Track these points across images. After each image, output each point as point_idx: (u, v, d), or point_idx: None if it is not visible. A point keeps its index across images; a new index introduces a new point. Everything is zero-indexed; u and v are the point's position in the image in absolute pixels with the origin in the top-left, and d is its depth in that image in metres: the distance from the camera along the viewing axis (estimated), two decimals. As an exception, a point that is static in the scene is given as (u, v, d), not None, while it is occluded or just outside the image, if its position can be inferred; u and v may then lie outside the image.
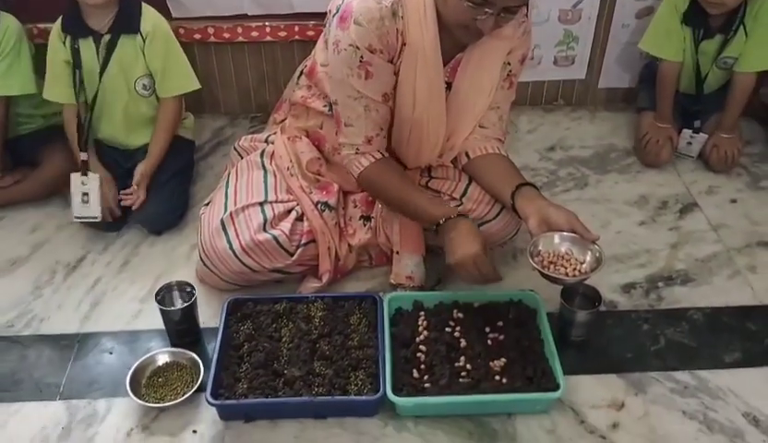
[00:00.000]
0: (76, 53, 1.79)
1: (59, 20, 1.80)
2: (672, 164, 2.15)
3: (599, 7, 2.20)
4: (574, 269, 1.45)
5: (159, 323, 1.57)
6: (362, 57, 1.46)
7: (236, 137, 2.17)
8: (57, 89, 1.84)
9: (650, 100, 2.21)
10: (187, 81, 1.91)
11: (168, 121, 1.90)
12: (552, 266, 1.46)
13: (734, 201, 2.02)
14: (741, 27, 1.98)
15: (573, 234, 1.47)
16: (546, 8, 2.20)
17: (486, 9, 1.35)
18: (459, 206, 1.64)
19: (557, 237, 1.48)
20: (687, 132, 2.13)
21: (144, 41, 1.81)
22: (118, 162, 1.92)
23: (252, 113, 2.34)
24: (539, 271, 1.45)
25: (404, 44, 1.48)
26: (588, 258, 1.47)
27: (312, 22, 2.12)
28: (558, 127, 2.32)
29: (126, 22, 1.80)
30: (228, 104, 2.32)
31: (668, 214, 1.97)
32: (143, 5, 1.84)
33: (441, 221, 1.52)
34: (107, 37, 1.79)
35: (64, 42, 1.79)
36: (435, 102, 1.55)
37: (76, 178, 1.80)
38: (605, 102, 2.42)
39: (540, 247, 1.48)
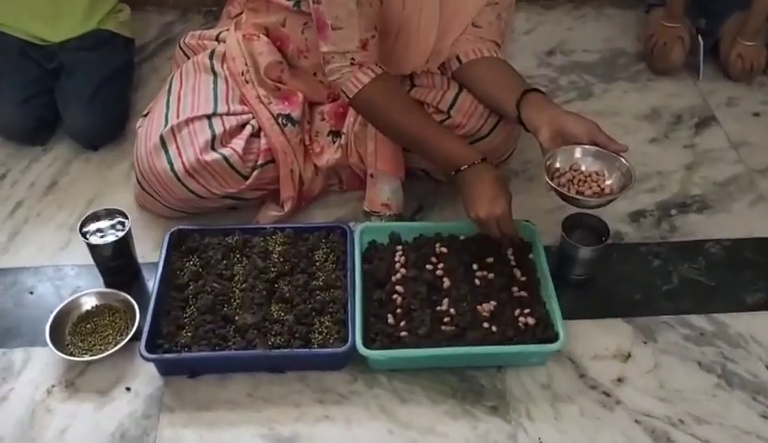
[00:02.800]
0: None
1: None
2: (687, 72, 1.88)
3: None
4: (600, 187, 1.23)
5: (90, 257, 1.32)
6: None
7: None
8: None
9: (661, -6, 1.92)
10: None
11: None
12: (571, 184, 1.23)
13: (756, 115, 1.77)
14: None
15: (597, 148, 1.23)
16: None
17: None
18: (446, 119, 1.38)
19: (578, 151, 1.25)
20: None
21: None
22: (38, 62, 1.61)
23: (206, 7, 2.02)
24: (557, 192, 1.22)
25: None
26: (615, 176, 1.24)
27: None
28: (560, 27, 2.03)
29: None
30: (178, -5, 2.00)
31: (683, 130, 1.72)
32: None
33: (462, 168, 1.27)
34: None
35: None
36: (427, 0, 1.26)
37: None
38: (614, -2, 2.12)
39: (558, 162, 1.25)
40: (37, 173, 1.55)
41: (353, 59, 1.27)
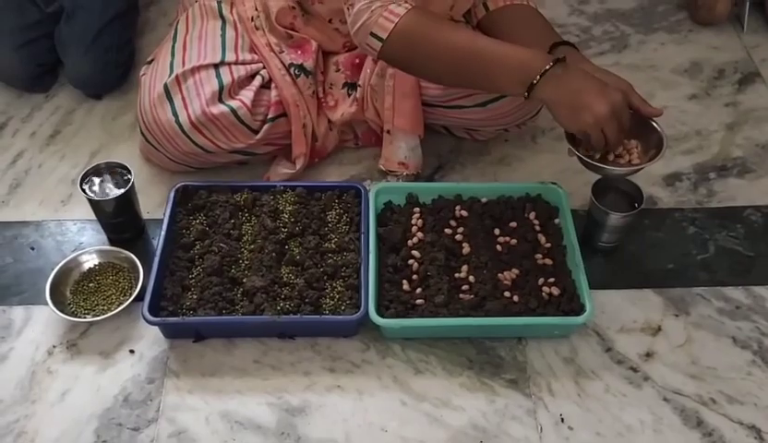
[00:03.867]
0: None
1: None
2: (730, 23, 1.75)
3: None
4: (629, 153, 1.14)
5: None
6: None
7: (197, -25, 1.77)
8: None
9: (706, -62, 1.77)
10: None
11: None
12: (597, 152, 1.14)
13: (805, 70, 1.65)
14: None
15: (629, 110, 1.12)
16: None
17: None
18: None
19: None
20: None
21: None
22: (37, 5, 1.51)
23: (217, -54, 1.90)
24: (579, 158, 1.13)
25: None
26: (645, 142, 1.15)
27: None
28: (594, -28, 1.90)
29: None
30: (187, -67, 1.88)
31: (725, 86, 1.61)
32: None
33: (539, 77, 1.05)
34: None
35: None
36: None
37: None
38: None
39: None
40: (39, 122, 1.48)
41: None
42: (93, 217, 1.27)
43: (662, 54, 1.68)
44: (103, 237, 1.28)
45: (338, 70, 1.38)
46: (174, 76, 1.27)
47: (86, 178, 1.23)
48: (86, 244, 1.27)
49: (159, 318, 1.12)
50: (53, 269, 1.19)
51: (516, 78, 1.07)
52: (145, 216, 1.30)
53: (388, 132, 1.34)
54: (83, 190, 1.21)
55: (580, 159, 1.14)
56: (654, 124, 1.15)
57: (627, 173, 1.16)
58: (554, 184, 1.29)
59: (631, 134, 1.14)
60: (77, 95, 1.52)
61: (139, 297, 1.16)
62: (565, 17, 1.76)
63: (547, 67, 1.05)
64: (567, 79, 1.05)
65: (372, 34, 1.13)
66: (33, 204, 1.34)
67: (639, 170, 1.14)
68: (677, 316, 1.21)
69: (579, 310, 1.14)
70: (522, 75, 1.07)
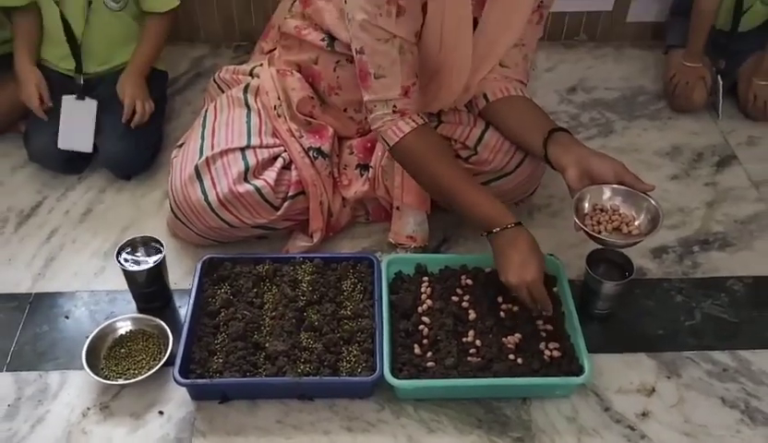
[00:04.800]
0: None
1: None
2: (707, 110, 1.92)
3: (633, -75, 1.93)
4: (627, 226, 1.26)
5: (124, 283, 1.36)
6: None
7: (217, 68, 1.90)
8: None
9: (681, 36, 1.95)
10: None
11: (157, 32, 1.68)
12: (599, 224, 1.26)
13: (777, 154, 1.80)
14: (796, -44, 1.72)
15: (624, 188, 1.25)
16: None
17: None
18: (472, 156, 1.41)
19: (606, 191, 1.27)
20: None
21: None
22: (68, 92, 1.64)
23: (236, 42, 2.08)
24: (585, 232, 1.24)
25: None
26: (643, 216, 1.27)
27: (305, -64, 1.84)
28: (580, 66, 2.07)
29: None
30: (209, 31, 2.06)
31: (704, 167, 1.75)
32: None
33: (495, 230, 1.27)
34: None
35: None
36: (462, 41, 1.30)
37: (69, 101, 1.60)
38: (632, 39, 2.16)
39: (586, 203, 1.27)
40: (72, 200, 1.60)
41: (394, 106, 1.30)
42: (124, 288, 1.37)
43: (645, 139, 1.83)
44: (133, 306, 1.37)
45: (351, 153, 1.51)
46: (204, 158, 1.40)
47: (121, 250, 1.33)
48: (117, 312, 1.36)
49: (188, 380, 1.20)
50: (86, 336, 1.28)
51: (478, 223, 1.30)
52: (172, 286, 1.40)
53: (397, 208, 1.46)
54: (119, 261, 1.31)
55: (586, 232, 1.25)
56: (649, 198, 1.27)
57: (627, 244, 1.26)
58: (551, 255, 1.40)
59: (629, 208, 1.27)
60: (107, 175, 1.65)
61: (168, 362, 1.24)
62: (555, 106, 1.92)
63: (509, 225, 1.26)
64: (508, 244, 1.25)
65: (382, 138, 1.32)
66: (68, 276, 1.44)
67: (639, 242, 1.25)
68: (669, 377, 1.30)
69: (578, 371, 1.23)
70: (482, 224, 1.29)
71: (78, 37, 1.62)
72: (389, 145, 1.33)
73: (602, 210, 1.28)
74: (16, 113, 1.67)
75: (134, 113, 1.61)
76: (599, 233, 1.25)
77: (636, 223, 1.27)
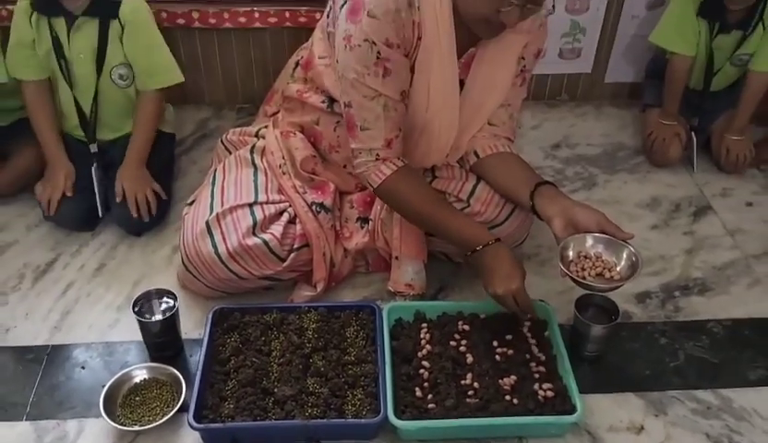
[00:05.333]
0: (54, 37, 1.63)
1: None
2: (683, 164, 2.04)
3: (608, -3, 2.09)
4: (609, 271, 1.35)
5: (137, 334, 1.43)
6: (379, 53, 1.32)
7: (221, 129, 2.04)
8: (20, 66, 1.69)
9: (656, 96, 2.09)
10: (171, 74, 1.75)
11: (149, 116, 1.74)
12: (582, 271, 1.35)
13: (749, 204, 1.92)
14: (760, 23, 1.87)
15: (606, 236, 1.35)
16: (553, -3, 2.07)
17: (512, 0, 1.22)
18: (465, 208, 1.51)
19: (590, 239, 1.37)
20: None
21: (123, 29, 1.65)
22: (82, 157, 1.75)
23: (239, 104, 2.19)
24: (571, 278, 1.34)
25: (419, 38, 1.35)
26: (623, 262, 1.37)
27: (304, 8, 1.98)
28: (563, 124, 2.21)
29: (105, 5, 1.63)
30: (213, 94, 2.17)
31: (682, 217, 1.86)
32: None
33: (478, 248, 1.38)
34: (81, 19, 1.63)
35: (30, 20, 1.63)
36: (449, 101, 1.42)
37: (97, 173, 1.71)
38: (611, 98, 2.30)
39: (570, 251, 1.37)
40: (86, 256, 1.67)
41: (377, 154, 1.41)
42: (136, 338, 1.44)
43: (625, 192, 1.94)
44: (146, 356, 1.44)
45: (352, 207, 1.60)
46: (214, 214, 1.48)
47: (137, 303, 1.40)
48: (131, 362, 1.42)
49: (202, 425, 1.26)
50: (103, 385, 1.34)
51: (461, 245, 1.43)
52: (183, 336, 1.46)
53: (396, 258, 1.55)
54: (134, 312, 1.38)
55: (571, 278, 1.35)
56: (629, 246, 1.37)
57: (610, 288, 1.36)
58: (542, 301, 1.48)
59: (611, 255, 1.37)
60: (119, 232, 1.73)
61: (181, 409, 1.31)
62: (541, 161, 2.03)
63: (489, 243, 1.38)
64: (492, 258, 1.37)
65: (366, 181, 1.44)
66: (83, 328, 1.50)
67: (621, 285, 1.35)
68: (656, 415, 1.37)
69: (571, 410, 1.30)
70: (465, 245, 1.41)
71: (87, 114, 1.72)
72: (373, 187, 1.44)
73: (586, 257, 1.37)
74: (32, 177, 1.76)
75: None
76: (583, 278, 1.34)
77: (617, 269, 1.37)
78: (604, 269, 1.36)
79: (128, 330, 1.47)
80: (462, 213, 1.49)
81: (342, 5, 1.35)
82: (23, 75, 1.70)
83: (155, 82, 1.74)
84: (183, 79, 1.79)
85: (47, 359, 1.44)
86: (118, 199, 1.68)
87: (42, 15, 1.63)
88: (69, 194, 1.69)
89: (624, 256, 1.37)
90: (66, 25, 1.63)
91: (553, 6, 1.31)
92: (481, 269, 1.39)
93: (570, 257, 1.37)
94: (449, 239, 1.46)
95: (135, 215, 1.68)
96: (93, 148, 1.74)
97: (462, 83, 1.45)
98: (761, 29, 1.89)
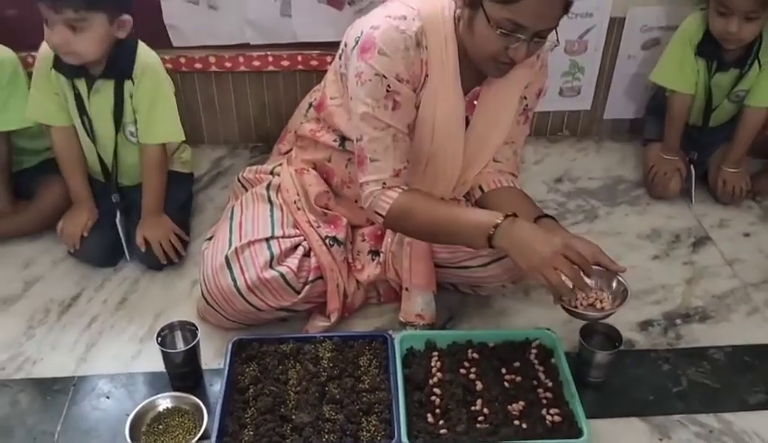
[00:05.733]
0: (77, 95, 1.71)
1: (46, 48, 1.66)
2: (682, 196, 2.11)
3: (605, 39, 2.18)
4: (601, 302, 1.42)
5: (159, 365, 1.49)
6: (389, 86, 1.40)
7: (236, 167, 2.14)
8: (44, 111, 1.76)
9: (657, 131, 2.18)
10: (171, 130, 1.78)
11: (153, 169, 1.78)
12: (576, 301, 1.42)
13: (747, 235, 1.98)
14: (756, 61, 1.96)
15: (598, 267, 1.42)
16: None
17: (519, 36, 1.31)
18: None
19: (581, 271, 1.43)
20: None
21: (133, 84, 1.71)
22: (104, 196, 1.83)
23: (252, 143, 2.28)
24: (563, 307, 1.40)
25: (426, 76, 1.44)
26: (613, 293, 1.43)
27: (316, 52, 2.08)
28: (564, 158, 2.29)
29: (121, 67, 1.69)
30: (227, 134, 2.27)
31: (681, 248, 1.93)
32: (139, 44, 1.72)
33: (493, 230, 1.33)
34: (100, 82, 1.70)
35: (51, 75, 1.71)
36: (453, 137, 1.51)
37: (121, 221, 1.80)
38: (610, 133, 2.39)
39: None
40: (109, 290, 1.74)
41: (384, 183, 1.45)
42: (158, 369, 1.50)
43: (626, 223, 2.01)
44: (168, 386, 1.49)
45: (364, 240, 1.68)
46: (233, 248, 1.56)
47: (160, 334, 1.47)
48: (154, 392, 1.47)
49: (224, 451, 1.31)
50: (127, 414, 1.39)
51: (478, 235, 1.36)
52: (203, 367, 1.52)
53: (406, 289, 1.61)
54: (158, 343, 1.45)
55: (563, 308, 1.41)
56: (621, 278, 1.44)
57: (600, 317, 1.43)
58: (548, 329, 1.54)
59: (602, 286, 1.44)
60: (140, 267, 1.80)
61: (203, 436, 1.36)
62: (544, 194, 2.11)
63: (498, 222, 1.34)
64: (516, 231, 1.33)
65: (375, 212, 1.47)
66: (107, 360, 1.56)
67: (610, 314, 1.42)
68: (661, 440, 1.42)
69: (578, 434, 1.35)
70: (480, 231, 1.35)
71: (108, 166, 1.80)
72: (382, 215, 1.45)
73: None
74: (57, 215, 1.83)
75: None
76: (575, 307, 1.41)
77: (608, 299, 1.43)
78: (595, 299, 1.43)
79: (151, 361, 1.53)
80: (470, 207, 1.52)
81: (354, 47, 1.44)
82: (50, 121, 1.77)
83: (154, 138, 1.76)
84: (183, 138, 1.83)
85: (73, 389, 1.49)
86: (142, 249, 1.76)
87: (63, 75, 1.70)
88: (85, 234, 1.76)
89: (614, 287, 1.44)
90: (87, 85, 1.70)
91: (558, 39, 1.38)
92: (509, 251, 1.33)
93: None
94: (464, 235, 1.41)
95: (165, 262, 1.76)
96: (115, 198, 1.81)
97: (467, 120, 1.53)
98: (756, 67, 1.97)
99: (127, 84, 1.70)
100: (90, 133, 1.76)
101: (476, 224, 1.38)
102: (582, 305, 1.42)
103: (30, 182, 1.88)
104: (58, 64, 1.68)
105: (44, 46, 1.67)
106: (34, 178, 1.87)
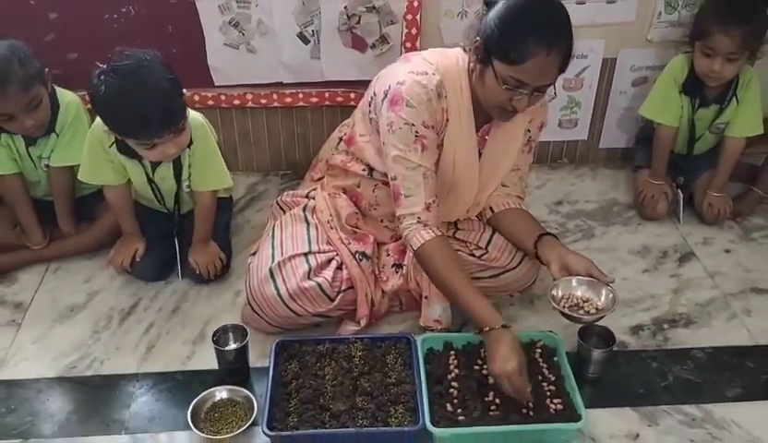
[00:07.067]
0: (143, 167, 1.88)
1: (102, 126, 1.77)
2: (669, 217, 2.34)
3: (599, 76, 2.41)
4: (592, 306, 1.64)
5: (210, 364, 1.72)
6: (417, 133, 1.63)
7: (269, 192, 2.38)
8: (98, 176, 1.92)
9: (646, 159, 2.40)
10: (221, 178, 1.97)
11: (206, 212, 1.98)
12: (570, 306, 1.64)
13: (727, 251, 2.20)
14: (734, 97, 2.20)
15: (589, 278, 1.65)
16: (552, 76, 2.41)
17: (522, 91, 1.55)
18: (484, 254, 1.81)
19: (574, 280, 1.67)
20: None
21: (190, 150, 1.88)
22: (163, 223, 2.04)
23: (282, 171, 2.51)
24: (560, 311, 1.63)
25: (447, 120, 1.68)
26: (603, 299, 1.65)
27: (341, 89, 2.32)
28: (564, 183, 2.52)
29: None
30: (260, 162, 2.50)
31: (669, 263, 2.15)
32: (191, 114, 1.82)
33: (487, 329, 1.58)
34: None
35: (109, 151, 1.86)
36: (469, 168, 1.75)
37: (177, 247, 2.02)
38: (605, 161, 2.62)
39: (560, 290, 1.66)
40: (163, 301, 1.97)
41: (419, 218, 1.68)
42: (209, 367, 1.72)
43: (620, 241, 2.24)
44: (218, 381, 1.70)
45: (388, 255, 1.90)
46: (276, 262, 1.78)
47: (215, 334, 1.69)
48: (206, 387, 1.67)
49: (274, 433, 1.53)
50: (185, 405, 1.60)
51: (477, 323, 1.61)
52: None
53: (425, 298, 1.84)
54: (213, 342, 1.67)
55: (561, 313, 1.64)
56: (610, 288, 1.67)
57: (590, 320, 1.65)
58: (551, 332, 1.77)
59: (592, 294, 1.67)
60: (188, 281, 2.02)
61: (253, 423, 1.58)
62: (546, 215, 2.34)
63: (488, 329, 1.57)
64: (496, 341, 1.55)
65: (408, 243, 1.70)
66: (166, 360, 1.78)
67: (601, 317, 1.64)
68: (650, 426, 1.63)
69: (577, 419, 1.56)
70: (478, 321, 1.60)
71: (170, 209, 2.01)
72: (413, 249, 1.70)
73: (572, 295, 1.67)
74: (114, 235, 2.05)
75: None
76: (565, 308, 1.64)
77: (596, 304, 1.66)
78: (585, 302, 1.66)
79: (203, 361, 1.75)
80: (482, 294, 1.64)
81: (383, 98, 1.66)
82: (104, 182, 1.94)
83: (208, 186, 1.96)
84: (231, 184, 2.04)
85: (138, 384, 1.72)
86: (197, 272, 1.97)
87: (127, 156, 1.85)
88: (137, 259, 1.98)
89: (603, 295, 1.67)
90: (151, 164, 1.89)
91: (555, 93, 1.62)
92: (487, 348, 1.59)
93: (560, 295, 1.67)
94: (464, 311, 1.66)
95: (207, 278, 1.98)
96: (175, 232, 2.03)
97: (480, 153, 1.77)
98: (735, 102, 2.21)
99: (186, 152, 1.87)
100: (158, 193, 1.97)
101: (481, 317, 1.60)
102: (569, 308, 1.65)
103: (89, 206, 2.12)
104: (121, 148, 1.82)
105: (98, 119, 1.78)
106: (93, 203, 2.10)
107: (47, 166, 2.03)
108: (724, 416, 1.65)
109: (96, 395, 1.69)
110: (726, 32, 2.04)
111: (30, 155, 2.01)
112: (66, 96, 2.00)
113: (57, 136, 1.99)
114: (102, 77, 1.65)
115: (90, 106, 1.77)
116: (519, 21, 1.51)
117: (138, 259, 1.99)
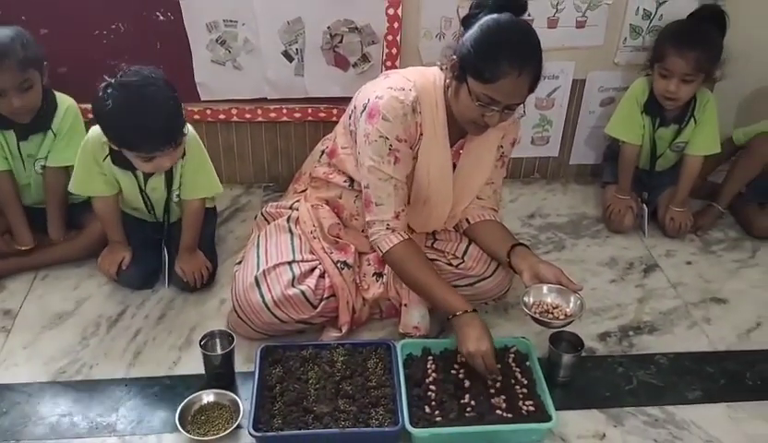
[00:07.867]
0: (136, 177, 1.94)
1: (100, 136, 1.83)
2: (635, 230, 2.46)
3: (569, 96, 2.53)
4: (561, 312, 1.74)
5: (197, 369, 1.78)
6: (391, 146, 1.73)
7: (252, 204, 2.45)
8: (89, 187, 1.97)
9: (612, 175, 2.52)
10: (211, 185, 2.05)
11: (194, 219, 2.04)
12: (540, 311, 1.74)
13: (689, 263, 2.32)
14: (692, 118, 2.33)
15: (559, 286, 1.75)
16: (524, 96, 2.53)
17: (494, 107, 1.65)
18: (461, 264, 1.91)
19: (545, 288, 1.77)
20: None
21: (182, 161, 1.94)
22: (149, 232, 2.10)
23: (265, 183, 2.59)
24: (531, 316, 1.72)
25: (421, 135, 1.77)
26: (571, 305, 1.76)
27: (324, 105, 2.40)
28: (536, 198, 2.63)
29: None
30: (243, 175, 2.57)
31: (634, 273, 2.26)
32: (187, 126, 1.88)
33: (457, 313, 1.71)
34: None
35: (102, 161, 1.91)
36: (444, 181, 1.84)
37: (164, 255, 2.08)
38: (575, 176, 2.74)
39: (531, 297, 1.76)
40: (149, 308, 2.02)
41: (388, 225, 1.79)
42: (195, 372, 1.78)
43: (589, 253, 2.35)
44: (204, 385, 1.76)
45: (369, 264, 1.98)
46: (261, 270, 1.86)
47: (203, 340, 1.76)
48: (193, 391, 1.74)
49: (260, 433, 1.59)
50: (173, 408, 1.67)
51: (444, 309, 1.75)
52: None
53: (405, 305, 1.92)
54: (201, 347, 1.73)
55: (532, 318, 1.74)
56: (576, 294, 1.77)
57: (559, 325, 1.75)
58: (524, 338, 1.86)
59: (561, 301, 1.77)
60: (174, 289, 2.08)
61: (239, 425, 1.64)
62: (519, 228, 2.44)
63: (459, 313, 1.70)
64: (466, 324, 1.68)
65: (377, 247, 1.81)
66: (152, 365, 1.84)
67: (569, 322, 1.74)
68: (615, 426, 1.73)
69: (548, 420, 1.66)
70: (447, 310, 1.73)
71: (160, 218, 2.08)
72: (382, 251, 1.80)
73: (542, 302, 1.77)
74: (102, 243, 2.10)
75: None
76: (536, 313, 1.73)
77: (566, 311, 1.76)
78: (556, 310, 1.75)
79: (189, 366, 1.81)
80: (448, 284, 1.81)
81: (362, 111, 1.77)
82: (94, 193, 1.99)
83: (199, 194, 2.04)
84: (221, 190, 2.10)
85: (126, 388, 1.77)
86: (184, 280, 2.03)
87: (121, 168, 1.91)
88: (123, 268, 2.03)
89: (571, 301, 1.77)
90: (144, 175, 1.95)
91: (524, 111, 1.73)
92: (457, 331, 1.70)
93: (531, 301, 1.77)
94: (435, 303, 1.79)
95: (194, 286, 2.04)
96: (163, 241, 2.08)
97: (454, 166, 1.87)
98: (692, 123, 2.34)
99: (179, 162, 1.94)
100: (149, 203, 2.03)
101: (450, 303, 1.73)
102: (539, 314, 1.74)
103: (78, 215, 2.17)
104: (116, 159, 1.88)
105: (93, 132, 1.87)
106: (82, 212, 2.15)
107: (43, 167, 2.08)
108: (684, 417, 1.76)
109: (85, 399, 1.74)
110: (681, 54, 2.18)
111: (20, 153, 2.05)
112: (66, 100, 2.06)
113: (55, 135, 2.04)
114: (109, 90, 1.72)
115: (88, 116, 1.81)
116: (493, 43, 1.61)
117: (124, 268, 2.04)
